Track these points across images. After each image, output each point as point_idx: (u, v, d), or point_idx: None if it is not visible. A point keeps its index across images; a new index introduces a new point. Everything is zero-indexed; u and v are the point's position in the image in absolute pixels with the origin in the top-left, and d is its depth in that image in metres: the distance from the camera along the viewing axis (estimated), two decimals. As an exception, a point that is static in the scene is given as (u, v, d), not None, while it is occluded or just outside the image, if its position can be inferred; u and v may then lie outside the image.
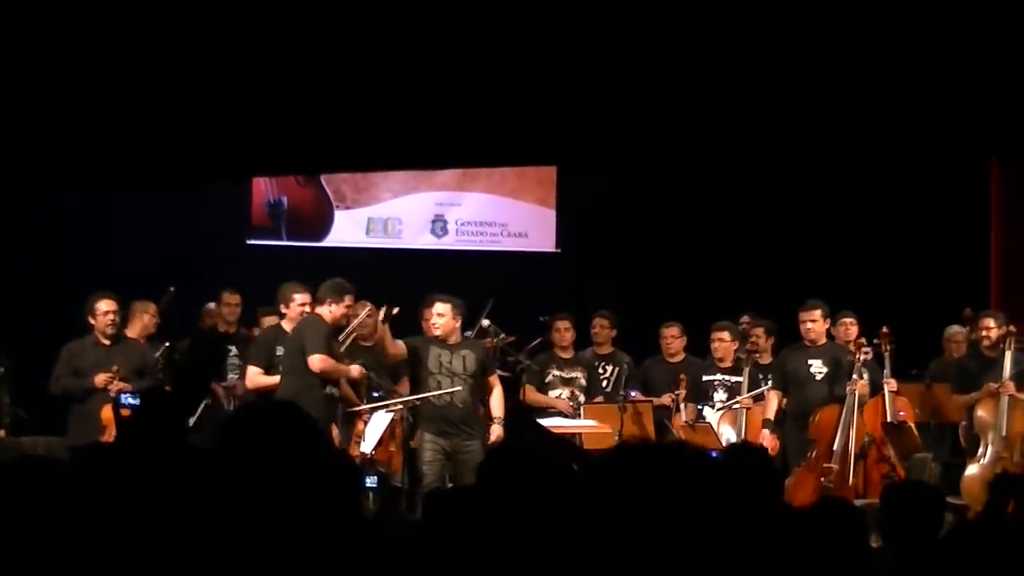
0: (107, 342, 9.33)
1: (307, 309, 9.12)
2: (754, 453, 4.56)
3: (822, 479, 9.37)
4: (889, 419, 9.37)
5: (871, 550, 4.65)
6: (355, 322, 9.28)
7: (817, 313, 9.91)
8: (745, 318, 10.72)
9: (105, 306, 9.32)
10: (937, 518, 4.68)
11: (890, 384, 9.52)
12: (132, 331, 9.55)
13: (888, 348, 9.60)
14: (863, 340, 9.66)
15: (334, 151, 8.70)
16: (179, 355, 9.76)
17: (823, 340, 9.96)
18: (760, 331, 10.50)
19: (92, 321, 9.33)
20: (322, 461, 2.77)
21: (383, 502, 8.61)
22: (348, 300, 8.99)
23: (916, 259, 11.98)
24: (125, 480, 3.38)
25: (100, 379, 9.10)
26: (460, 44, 7.37)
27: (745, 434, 9.80)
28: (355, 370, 9.00)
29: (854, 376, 9.46)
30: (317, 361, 8.74)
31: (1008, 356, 9.54)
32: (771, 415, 9.84)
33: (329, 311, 8.90)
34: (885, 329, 9.64)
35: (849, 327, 10.10)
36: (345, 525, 3.19)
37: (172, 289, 10.06)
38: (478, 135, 8.27)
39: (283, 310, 9.30)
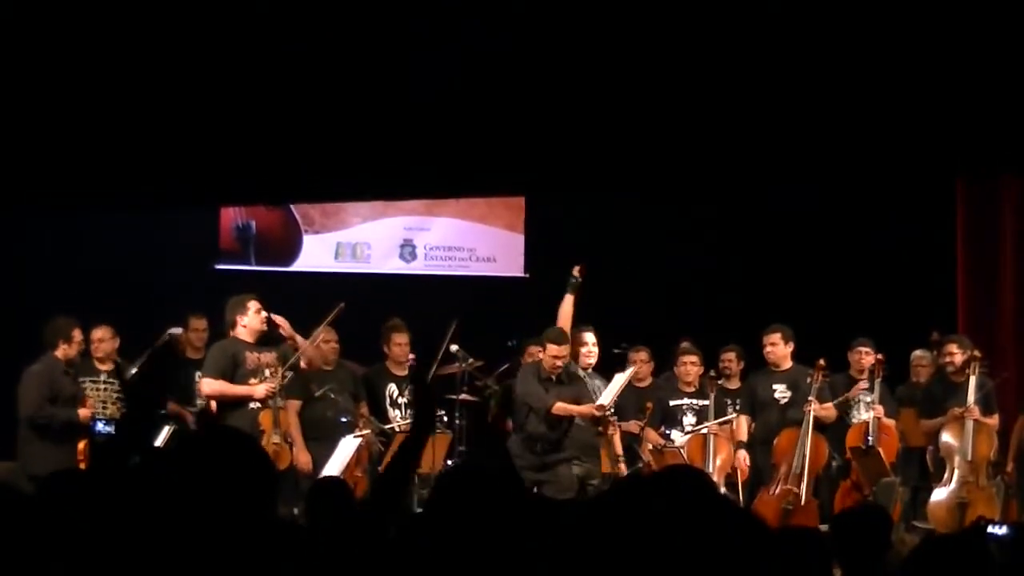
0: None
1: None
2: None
3: (782, 502, 9.44)
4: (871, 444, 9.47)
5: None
6: (308, 344, 9.13)
7: (777, 336, 9.98)
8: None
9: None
10: (883, 536, 4.75)
11: (877, 410, 9.60)
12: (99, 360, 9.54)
13: (881, 375, 9.68)
14: (822, 364, 9.72)
15: (301, 181, 8.70)
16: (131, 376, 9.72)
17: (786, 364, 10.01)
18: (732, 355, 10.52)
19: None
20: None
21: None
22: (253, 305, 8.98)
23: (885, 282, 12.03)
24: (94, 506, 3.37)
25: (84, 413, 9.05)
26: (427, 76, 7.40)
27: (713, 459, 9.84)
28: (259, 390, 8.84)
29: (809, 398, 9.55)
30: (204, 385, 8.96)
31: (972, 381, 9.61)
32: (743, 437, 9.91)
33: (243, 326, 8.93)
34: (880, 356, 9.75)
35: (864, 356, 10.04)
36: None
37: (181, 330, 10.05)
38: (445, 165, 8.29)
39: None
